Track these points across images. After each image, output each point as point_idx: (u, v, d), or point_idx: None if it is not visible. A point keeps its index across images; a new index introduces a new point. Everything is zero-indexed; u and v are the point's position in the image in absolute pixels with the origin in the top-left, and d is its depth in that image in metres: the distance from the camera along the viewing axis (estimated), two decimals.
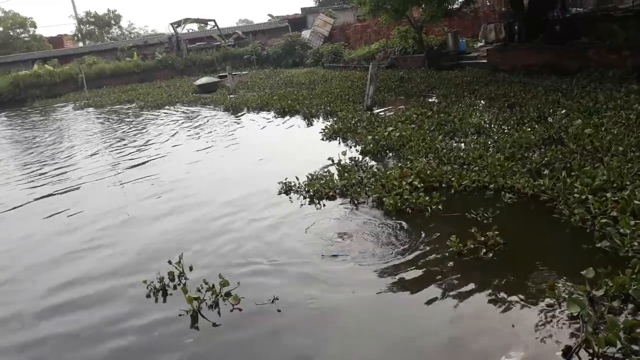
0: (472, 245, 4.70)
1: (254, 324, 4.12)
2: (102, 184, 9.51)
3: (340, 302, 4.29)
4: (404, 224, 5.63)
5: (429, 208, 5.86)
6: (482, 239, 4.75)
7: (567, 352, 3.24)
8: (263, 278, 4.84)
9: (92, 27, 61.59)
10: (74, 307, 4.80)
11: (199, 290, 4.48)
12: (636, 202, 4.87)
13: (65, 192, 9.20)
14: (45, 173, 11.06)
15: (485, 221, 5.33)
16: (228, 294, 4.40)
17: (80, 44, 55.78)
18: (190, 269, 5.03)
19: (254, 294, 4.47)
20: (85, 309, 4.73)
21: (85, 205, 8.15)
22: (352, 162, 8.10)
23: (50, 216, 7.78)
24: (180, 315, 4.33)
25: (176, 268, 4.99)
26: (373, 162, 8.24)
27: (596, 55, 12.58)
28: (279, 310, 4.20)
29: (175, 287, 4.83)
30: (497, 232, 4.77)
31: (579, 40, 13.70)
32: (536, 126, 8.52)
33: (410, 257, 4.84)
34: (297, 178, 7.48)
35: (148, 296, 4.77)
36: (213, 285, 4.47)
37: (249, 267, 5.09)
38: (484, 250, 4.63)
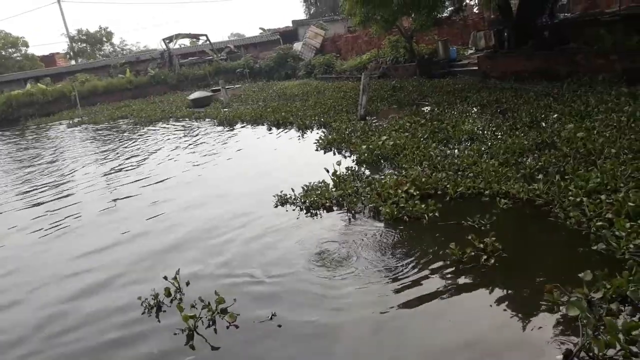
0: (472, 253, 4.69)
1: (251, 341, 4.05)
2: (102, 198, 9.49)
3: (341, 318, 4.20)
4: (402, 233, 5.63)
5: (425, 215, 5.87)
6: (481, 245, 4.75)
7: (568, 355, 3.25)
8: (260, 293, 4.80)
9: (84, 44, 61.55)
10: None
11: (193, 307, 4.43)
12: (630, 204, 4.91)
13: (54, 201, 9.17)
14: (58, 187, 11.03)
15: (482, 228, 5.34)
16: (224, 311, 4.34)
17: (73, 62, 55.81)
18: (187, 284, 4.98)
19: (251, 310, 4.43)
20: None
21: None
22: (348, 172, 8.11)
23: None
24: (175, 334, 4.27)
25: (172, 284, 4.95)
26: (368, 172, 8.25)
27: (585, 60, 12.70)
28: (279, 326, 4.16)
29: (171, 303, 4.79)
30: (494, 239, 4.78)
31: (568, 45, 13.84)
32: (529, 131, 8.58)
33: (412, 267, 4.82)
34: (293, 190, 7.47)
35: (143, 313, 4.74)
36: (209, 303, 4.40)
37: (245, 282, 5.05)
38: (485, 257, 4.63)
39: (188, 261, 5.79)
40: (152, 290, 4.91)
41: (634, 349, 3.10)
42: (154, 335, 4.37)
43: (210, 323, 4.33)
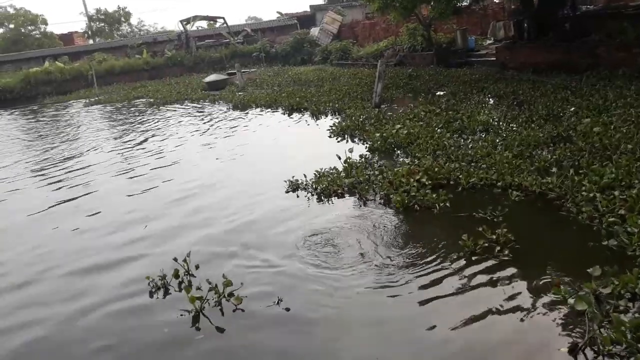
0: (484, 244, 4.67)
1: (256, 325, 4.06)
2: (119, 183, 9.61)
3: (350, 306, 4.17)
4: (414, 222, 5.63)
5: (436, 205, 5.87)
6: (493, 237, 4.74)
7: (574, 349, 3.26)
8: (269, 278, 4.78)
9: (102, 24, 61.81)
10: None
11: (198, 289, 4.48)
12: None
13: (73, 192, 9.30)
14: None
15: (495, 220, 5.30)
16: (231, 294, 4.35)
17: (91, 41, 56.07)
18: (197, 267, 4.99)
19: (259, 294, 4.45)
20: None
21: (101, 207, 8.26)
22: (360, 160, 8.11)
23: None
24: (182, 315, 4.31)
25: (181, 267, 4.97)
26: (381, 160, 8.25)
27: (606, 53, 12.49)
28: (287, 309, 4.19)
29: (180, 285, 4.79)
30: (505, 230, 4.77)
31: (589, 37, 13.60)
32: (545, 124, 8.50)
33: (425, 257, 4.78)
34: (305, 176, 7.50)
35: (150, 294, 4.78)
36: (216, 285, 4.41)
37: (254, 267, 5.06)
38: (498, 249, 4.61)
39: (196, 246, 5.74)
40: (161, 270, 4.96)
41: None
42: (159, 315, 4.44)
43: (217, 304, 4.35)
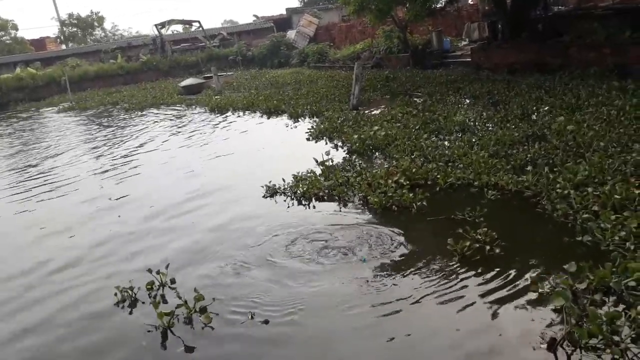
0: (471, 246, 4.64)
1: (226, 341, 3.92)
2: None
3: (335, 320, 4.02)
4: (397, 226, 5.62)
5: (414, 205, 5.91)
6: (479, 237, 4.75)
7: (552, 344, 3.30)
8: (246, 291, 4.58)
9: (75, 29, 60.88)
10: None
11: (164, 302, 4.37)
12: (616, 196, 4.97)
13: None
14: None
15: (476, 220, 5.28)
16: (203, 310, 4.18)
17: (63, 46, 55.16)
18: (172, 281, 4.73)
19: (233, 309, 4.31)
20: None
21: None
22: (339, 162, 8.11)
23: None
24: (149, 331, 4.16)
25: (156, 279, 4.79)
26: (359, 162, 8.26)
27: (577, 53, 12.74)
28: (266, 322, 4.05)
29: (155, 298, 4.64)
30: (487, 229, 4.79)
31: (561, 38, 13.86)
32: (520, 123, 8.62)
33: (414, 261, 4.73)
34: (284, 180, 7.43)
35: (116, 304, 4.65)
36: (186, 301, 4.24)
37: (231, 279, 4.89)
38: (488, 248, 4.61)
39: (167, 259, 5.44)
40: (130, 281, 4.81)
41: (616, 337, 3.15)
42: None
43: (187, 321, 4.17)
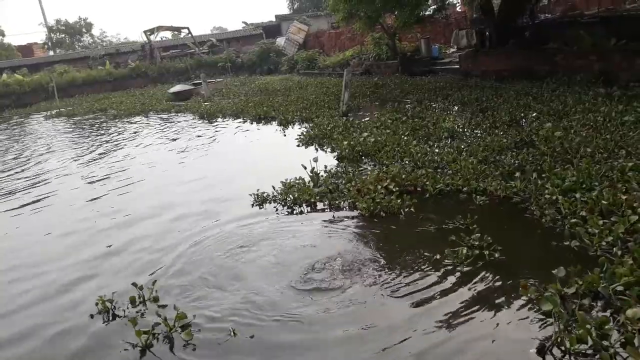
0: (476, 252, 4.64)
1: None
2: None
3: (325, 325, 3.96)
4: (386, 231, 5.62)
5: (402, 211, 5.94)
6: (476, 242, 4.75)
7: (541, 349, 3.31)
8: (232, 309, 4.38)
9: (63, 35, 60.45)
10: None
11: (140, 315, 4.26)
12: (604, 202, 5.02)
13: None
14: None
15: (469, 227, 5.24)
16: (185, 327, 4.00)
17: (51, 53, 54.75)
18: (156, 300, 4.54)
19: (217, 325, 4.16)
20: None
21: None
22: (328, 169, 8.10)
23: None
24: (125, 350, 3.97)
25: (138, 296, 4.63)
26: (349, 168, 8.25)
27: (564, 60, 12.90)
28: (251, 337, 3.93)
29: (140, 312, 4.50)
30: (479, 234, 4.82)
31: (548, 45, 14.02)
32: (508, 130, 8.69)
33: (411, 267, 4.70)
34: (274, 187, 7.34)
35: (91, 316, 4.54)
36: (166, 318, 4.06)
37: (217, 294, 4.67)
38: (487, 253, 4.60)
39: (151, 275, 5.30)
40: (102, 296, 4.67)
41: (605, 342, 3.16)
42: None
43: (166, 340, 3.99)
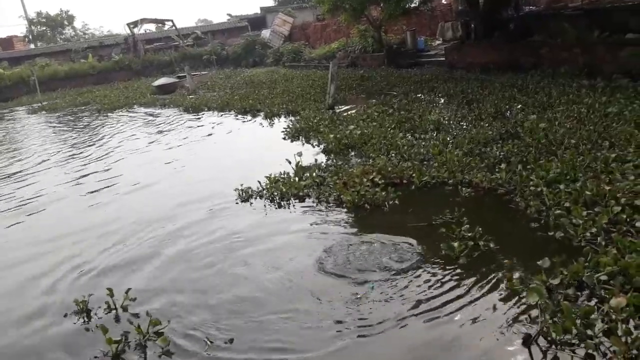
0: (470, 244, 4.64)
1: None
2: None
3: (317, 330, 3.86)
4: (376, 223, 5.63)
5: (386, 203, 5.95)
6: (469, 234, 4.75)
7: (527, 340, 3.33)
8: (211, 313, 4.26)
9: (44, 28, 59.44)
10: None
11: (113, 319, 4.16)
12: (587, 193, 5.06)
13: None
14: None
15: (459, 220, 5.17)
16: (159, 334, 3.86)
17: (32, 46, 53.77)
18: (124, 309, 4.42)
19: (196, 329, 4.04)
20: None
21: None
22: (314, 162, 8.06)
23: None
24: (95, 357, 3.85)
25: (112, 302, 4.47)
26: (336, 161, 8.22)
27: (549, 52, 12.97)
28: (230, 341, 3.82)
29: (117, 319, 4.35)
30: (468, 226, 4.83)
31: (533, 38, 14.09)
32: (493, 122, 8.72)
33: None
34: (260, 182, 7.26)
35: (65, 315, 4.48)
36: (139, 325, 3.92)
37: (195, 297, 4.56)
38: (482, 244, 4.62)
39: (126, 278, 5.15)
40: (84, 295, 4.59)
41: (590, 332, 3.19)
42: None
43: (138, 348, 3.86)
